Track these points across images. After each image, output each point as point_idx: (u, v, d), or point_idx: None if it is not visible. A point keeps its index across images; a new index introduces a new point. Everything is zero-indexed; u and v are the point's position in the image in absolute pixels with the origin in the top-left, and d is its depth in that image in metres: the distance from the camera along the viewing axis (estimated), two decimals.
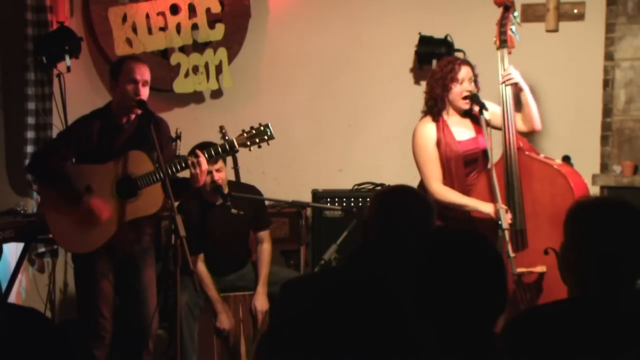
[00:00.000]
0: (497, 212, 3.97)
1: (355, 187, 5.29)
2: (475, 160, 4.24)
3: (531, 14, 5.13)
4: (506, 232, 3.93)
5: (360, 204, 5.02)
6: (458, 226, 4.00)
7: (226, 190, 4.49)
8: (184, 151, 4.51)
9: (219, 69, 5.58)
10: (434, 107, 4.23)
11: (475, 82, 4.24)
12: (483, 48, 4.76)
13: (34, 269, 5.39)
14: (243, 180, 5.08)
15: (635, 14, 5.06)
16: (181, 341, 4.12)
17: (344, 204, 5.04)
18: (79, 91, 5.52)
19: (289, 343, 2.32)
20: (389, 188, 2.71)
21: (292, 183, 5.59)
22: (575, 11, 5.21)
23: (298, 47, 5.65)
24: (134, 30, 5.55)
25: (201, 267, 4.53)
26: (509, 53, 4.20)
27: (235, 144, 3.99)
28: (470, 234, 1.99)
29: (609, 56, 5.12)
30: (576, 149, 5.08)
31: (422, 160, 4.22)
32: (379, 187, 5.12)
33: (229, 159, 4.87)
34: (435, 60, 5.26)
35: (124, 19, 5.55)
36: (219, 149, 3.98)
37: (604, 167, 5.14)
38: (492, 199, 4.03)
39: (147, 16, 5.54)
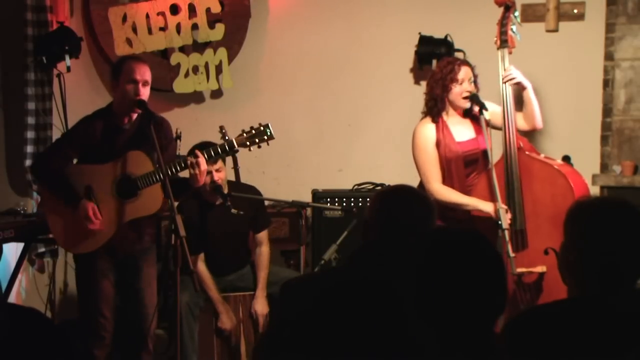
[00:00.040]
0: (497, 211, 3.97)
1: (355, 187, 5.29)
2: (476, 160, 4.24)
3: (531, 14, 5.13)
4: (506, 232, 3.93)
5: (360, 204, 5.02)
6: (458, 226, 4.00)
7: (226, 190, 4.49)
8: (183, 151, 4.51)
9: (219, 69, 5.58)
10: (434, 108, 4.23)
11: (475, 82, 4.25)
12: (483, 48, 4.76)
13: (34, 269, 5.39)
14: (243, 180, 5.08)
15: (635, 14, 5.06)
16: (181, 341, 4.12)
17: (344, 204, 5.04)
18: (79, 91, 5.53)
19: (289, 343, 2.32)
20: (389, 188, 2.71)
21: (292, 183, 5.59)
22: (575, 11, 5.21)
23: (298, 47, 5.65)
24: (134, 30, 5.55)
25: (201, 267, 4.54)
26: (510, 53, 4.20)
27: (235, 144, 3.99)
28: (470, 234, 1.99)
29: (609, 56, 5.12)
30: (576, 149, 5.08)
31: (421, 161, 4.22)
32: (379, 187, 5.12)
33: (229, 159, 4.87)
34: (435, 60, 5.26)
35: (124, 19, 5.55)
36: (219, 149, 3.98)
37: (604, 167, 5.14)
38: (492, 199, 4.03)
39: (147, 16, 5.55)
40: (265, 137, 3.99)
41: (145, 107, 3.94)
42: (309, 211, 5.03)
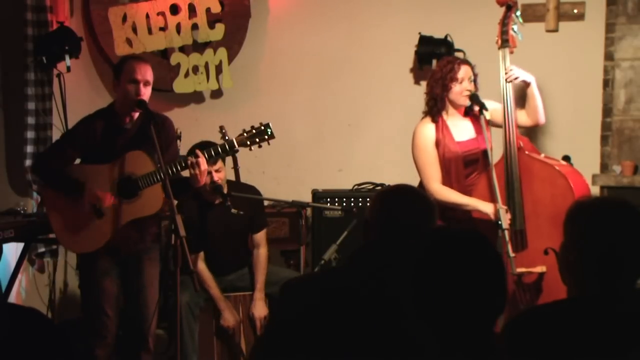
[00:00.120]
0: (497, 212, 3.97)
1: (355, 187, 5.29)
2: (476, 160, 4.24)
3: (531, 14, 5.13)
4: (506, 232, 3.93)
5: (360, 204, 5.02)
6: (458, 226, 4.00)
7: (226, 190, 4.49)
8: (183, 151, 4.51)
9: (219, 69, 5.59)
10: (434, 107, 4.23)
11: (475, 81, 4.25)
12: (483, 48, 4.76)
13: (34, 269, 5.39)
14: (243, 180, 5.08)
15: (635, 14, 5.06)
16: (181, 341, 4.12)
17: (344, 204, 5.04)
18: (79, 91, 5.53)
19: (289, 343, 2.32)
20: (390, 188, 2.71)
21: (292, 183, 5.59)
22: (575, 11, 5.21)
23: (298, 47, 5.65)
24: (134, 30, 5.55)
25: (202, 266, 4.54)
26: (511, 53, 4.20)
27: (235, 143, 3.99)
28: (470, 234, 1.99)
29: (609, 56, 5.12)
30: (576, 149, 5.08)
31: (421, 161, 4.23)
32: (379, 187, 5.13)
33: (229, 159, 4.87)
34: (435, 60, 5.26)
35: (124, 19, 5.55)
36: (219, 149, 3.98)
37: (604, 167, 5.14)
38: (493, 199, 4.03)
39: (147, 16, 5.55)
40: (266, 137, 3.99)
41: (146, 107, 3.94)
42: (309, 211, 5.03)
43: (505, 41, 4.19)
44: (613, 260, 2.12)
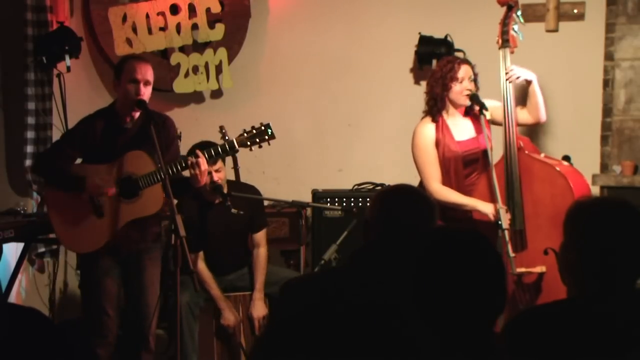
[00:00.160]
0: (497, 212, 3.97)
1: (355, 187, 5.29)
2: (476, 160, 4.24)
3: (531, 14, 5.13)
4: (506, 232, 3.93)
5: (360, 204, 5.02)
6: (458, 226, 4.00)
7: (226, 190, 4.49)
8: (183, 151, 4.51)
9: (219, 69, 5.58)
10: (434, 107, 4.23)
11: (475, 81, 4.24)
12: (483, 48, 4.76)
13: (34, 269, 5.39)
14: (243, 180, 5.08)
15: (635, 14, 5.06)
16: (181, 341, 4.12)
17: (344, 204, 5.04)
18: (79, 91, 5.53)
19: (288, 343, 2.32)
20: (390, 188, 2.71)
21: (292, 183, 5.59)
22: (575, 11, 5.21)
23: (298, 47, 5.65)
24: (134, 30, 5.55)
25: (201, 266, 4.54)
26: (512, 53, 4.19)
27: (236, 144, 3.98)
28: (470, 234, 1.99)
29: (609, 56, 5.12)
30: (576, 149, 5.08)
31: (421, 161, 4.23)
32: (379, 187, 5.12)
33: (229, 159, 4.87)
34: (435, 60, 5.26)
35: (124, 19, 5.55)
36: (219, 149, 3.98)
37: (604, 167, 5.14)
38: (492, 199, 4.03)
39: (147, 16, 5.55)
40: (266, 137, 3.98)
41: (145, 107, 3.94)
42: (309, 211, 5.02)
43: (505, 41, 4.19)
44: (613, 260, 2.12)
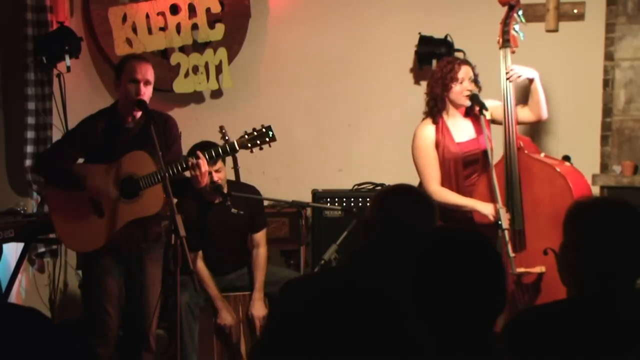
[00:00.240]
0: (496, 212, 3.97)
1: (355, 187, 5.29)
2: (476, 161, 4.24)
3: (531, 14, 5.13)
4: (506, 232, 3.93)
5: (360, 204, 5.02)
6: (458, 226, 3.99)
7: (226, 190, 4.50)
8: (183, 151, 4.51)
9: (219, 69, 5.59)
10: (434, 108, 4.23)
11: (476, 81, 4.24)
12: (483, 48, 4.76)
13: (34, 269, 5.39)
14: (243, 180, 5.08)
15: (635, 14, 5.06)
16: (181, 341, 4.12)
17: (344, 204, 5.04)
18: (79, 91, 5.53)
19: (288, 343, 2.32)
20: (390, 188, 2.71)
21: (292, 183, 5.59)
22: (575, 11, 5.21)
23: (298, 47, 5.65)
24: (134, 30, 5.55)
25: (200, 265, 4.54)
26: (512, 52, 4.19)
27: (236, 145, 3.98)
28: (470, 234, 1.99)
29: (609, 56, 5.12)
30: (576, 149, 5.08)
31: (421, 163, 4.23)
32: (379, 187, 5.13)
33: (229, 159, 4.87)
34: (435, 60, 5.26)
35: (124, 19, 5.55)
36: (220, 151, 3.98)
37: (604, 167, 5.14)
38: (492, 199, 4.03)
39: (147, 16, 5.55)
40: (267, 139, 3.97)
41: (145, 107, 3.94)
42: (309, 211, 5.03)
43: (506, 41, 4.19)
44: (613, 260, 2.12)
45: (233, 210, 4.46)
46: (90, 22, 5.61)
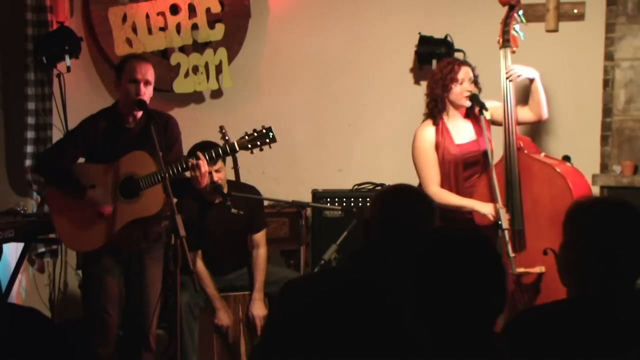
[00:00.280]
0: (496, 212, 3.97)
1: (355, 187, 5.29)
2: (476, 162, 4.24)
3: (531, 14, 5.13)
4: (506, 232, 3.93)
5: (360, 204, 5.02)
6: (458, 226, 3.99)
7: (226, 190, 4.50)
8: (183, 151, 4.51)
9: (219, 69, 5.59)
10: (434, 109, 4.23)
11: (476, 82, 4.24)
12: (483, 48, 4.76)
13: (34, 269, 5.39)
14: (243, 180, 5.08)
15: (635, 14, 5.06)
16: (181, 341, 4.12)
17: (344, 204, 5.04)
18: (79, 91, 5.53)
19: (288, 343, 2.32)
20: (390, 187, 2.71)
21: (292, 183, 5.59)
22: (575, 11, 5.21)
23: (298, 47, 5.65)
24: (134, 30, 5.55)
25: (199, 264, 4.54)
26: (512, 52, 4.19)
27: (236, 146, 3.98)
28: (470, 234, 1.99)
29: (609, 56, 5.12)
30: (576, 149, 5.08)
31: (421, 164, 4.23)
32: (379, 187, 5.13)
33: (229, 159, 4.87)
34: (435, 60, 5.26)
35: (124, 19, 5.55)
36: (220, 151, 3.97)
37: (604, 167, 5.14)
38: (492, 200, 4.03)
39: (147, 16, 5.55)
40: (267, 140, 3.97)
41: (145, 107, 3.94)
42: (309, 211, 5.02)
43: (506, 41, 4.19)
44: (612, 260, 2.12)
45: (233, 210, 4.46)
46: (90, 22, 5.61)
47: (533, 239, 4.02)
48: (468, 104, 4.19)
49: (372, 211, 2.50)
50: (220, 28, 5.56)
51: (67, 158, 4.05)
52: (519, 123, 4.24)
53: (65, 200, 4.04)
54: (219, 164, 4.44)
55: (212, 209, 4.57)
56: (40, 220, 4.64)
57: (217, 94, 5.73)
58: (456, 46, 5.29)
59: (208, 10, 5.55)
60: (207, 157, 3.92)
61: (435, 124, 4.22)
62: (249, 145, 3.97)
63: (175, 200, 3.86)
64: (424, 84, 4.59)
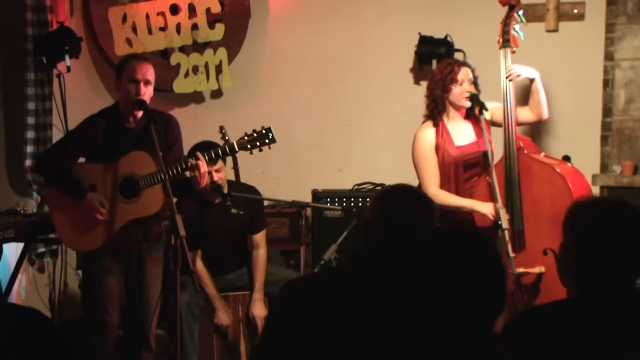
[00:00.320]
0: (496, 211, 3.97)
1: (355, 187, 5.29)
2: (477, 164, 4.23)
3: (531, 14, 5.13)
4: (506, 232, 3.93)
5: (360, 204, 5.02)
6: (458, 227, 4.00)
7: (226, 190, 4.50)
8: (184, 151, 4.51)
9: (219, 69, 5.59)
10: (435, 110, 4.23)
11: (475, 83, 4.24)
12: (483, 48, 4.76)
13: (34, 269, 5.39)
14: (243, 180, 5.08)
15: (635, 14, 5.06)
16: (181, 341, 4.12)
17: (344, 204, 5.04)
18: (79, 91, 5.53)
19: (288, 343, 2.32)
20: (389, 188, 2.70)
21: (292, 183, 5.59)
22: (575, 11, 5.21)
23: (298, 47, 5.65)
24: (134, 30, 5.55)
25: (198, 264, 4.54)
26: (512, 52, 4.19)
27: (236, 146, 3.97)
28: (470, 234, 1.99)
29: (609, 56, 5.12)
30: (576, 149, 5.08)
31: (421, 166, 4.22)
32: (379, 187, 5.13)
33: (229, 159, 4.87)
34: (435, 60, 5.26)
35: (124, 19, 5.55)
36: (219, 152, 3.97)
37: (604, 167, 5.14)
38: (492, 200, 4.03)
39: (147, 16, 5.55)
40: (267, 141, 3.96)
41: (145, 107, 3.94)
42: (309, 211, 5.02)
43: (506, 41, 4.19)
44: (613, 260, 2.12)
45: (233, 210, 4.46)
46: (90, 22, 5.61)
47: (533, 239, 4.02)
48: (468, 104, 4.19)
49: (372, 211, 2.50)
50: (220, 28, 5.56)
51: (67, 158, 4.05)
52: (519, 123, 4.24)
53: (65, 200, 4.04)
54: (219, 164, 4.44)
55: (212, 209, 4.57)
56: (40, 220, 4.64)
57: (217, 94, 5.73)
58: (456, 46, 5.29)
59: (208, 10, 5.55)
60: (207, 157, 3.92)
61: (436, 125, 4.22)
62: (249, 146, 3.96)
63: (175, 200, 3.86)
64: (424, 84, 4.59)
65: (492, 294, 1.89)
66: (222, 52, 5.57)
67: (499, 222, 3.95)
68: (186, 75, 5.58)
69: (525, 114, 4.27)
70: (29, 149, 5.23)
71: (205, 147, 4.09)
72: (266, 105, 5.61)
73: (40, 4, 5.25)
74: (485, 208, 4.04)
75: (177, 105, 5.66)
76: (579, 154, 5.01)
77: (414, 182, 4.19)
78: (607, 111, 5.14)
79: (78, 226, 4.02)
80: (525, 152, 4.11)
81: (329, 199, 5.11)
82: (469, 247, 1.92)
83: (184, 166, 3.90)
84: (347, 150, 5.64)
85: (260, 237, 4.70)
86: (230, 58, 5.59)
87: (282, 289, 2.44)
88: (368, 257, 2.42)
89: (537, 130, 5.17)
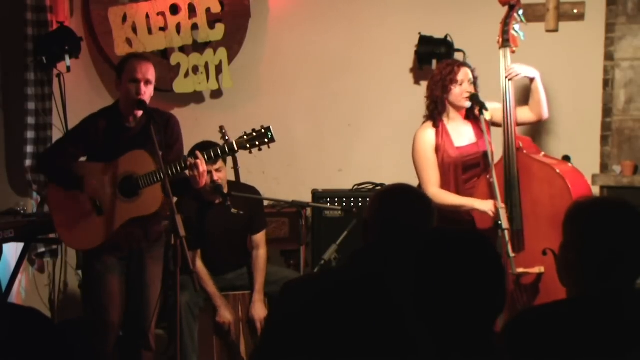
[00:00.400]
0: (496, 209, 3.97)
1: (355, 187, 5.29)
2: (477, 164, 4.24)
3: (531, 14, 5.13)
4: (506, 232, 3.93)
5: (360, 204, 5.02)
6: (458, 227, 4.00)
7: (226, 190, 4.50)
8: (184, 151, 4.51)
9: (219, 69, 5.59)
10: (435, 110, 4.23)
11: (475, 84, 4.24)
12: (483, 48, 4.76)
13: (34, 269, 5.39)
14: (243, 180, 5.08)
15: (635, 14, 5.06)
16: (181, 341, 4.12)
17: (344, 204, 5.04)
18: (79, 91, 5.53)
19: (288, 343, 2.32)
20: (388, 187, 2.70)
21: (292, 183, 5.59)
22: (575, 11, 5.21)
23: (298, 47, 5.65)
24: (134, 30, 5.55)
25: (199, 264, 4.54)
26: (512, 52, 4.19)
27: (235, 146, 3.97)
28: (470, 234, 1.99)
29: (609, 56, 5.12)
30: (576, 149, 5.08)
31: (421, 166, 4.23)
32: (379, 187, 5.12)
33: (229, 159, 4.87)
34: (435, 60, 5.26)
35: (124, 19, 5.55)
36: (219, 151, 3.97)
37: (604, 167, 5.14)
38: (493, 198, 4.02)
39: (147, 16, 5.55)
40: (266, 140, 3.96)
41: (145, 107, 3.94)
42: (309, 211, 5.03)
43: (506, 41, 4.19)
44: (612, 260, 2.12)
45: (233, 210, 4.46)
46: (90, 22, 5.61)
47: (532, 239, 4.02)
48: (468, 104, 4.19)
49: (371, 211, 2.50)
50: (220, 28, 5.56)
51: (67, 157, 4.05)
52: (519, 123, 4.24)
53: (65, 199, 4.04)
54: (219, 163, 4.45)
55: (212, 209, 4.57)
56: (40, 220, 4.64)
57: (217, 94, 5.73)
58: (456, 46, 5.29)
59: (208, 10, 5.55)
60: (206, 157, 3.92)
61: (436, 126, 4.22)
62: (248, 145, 3.96)
63: (175, 200, 3.86)
64: (424, 84, 4.59)
65: (492, 294, 1.89)
66: (222, 52, 5.57)
67: (499, 222, 3.95)
68: (186, 75, 5.58)
69: (526, 114, 4.27)
70: (29, 149, 5.23)
71: (205, 147, 4.09)
72: (266, 105, 5.61)
73: (40, 4, 5.25)
74: (485, 205, 4.04)
75: (177, 105, 5.66)
76: (579, 154, 5.01)
77: (414, 182, 4.19)
78: (607, 111, 5.14)
79: (78, 225, 4.02)
80: (525, 152, 4.11)
81: (329, 199, 5.11)
82: (468, 247, 1.91)
83: (183, 165, 3.90)
84: (347, 150, 5.64)
85: (260, 238, 4.70)
86: (230, 58, 5.59)
87: (281, 290, 2.44)
88: (368, 258, 2.42)
89: (537, 130, 5.17)
